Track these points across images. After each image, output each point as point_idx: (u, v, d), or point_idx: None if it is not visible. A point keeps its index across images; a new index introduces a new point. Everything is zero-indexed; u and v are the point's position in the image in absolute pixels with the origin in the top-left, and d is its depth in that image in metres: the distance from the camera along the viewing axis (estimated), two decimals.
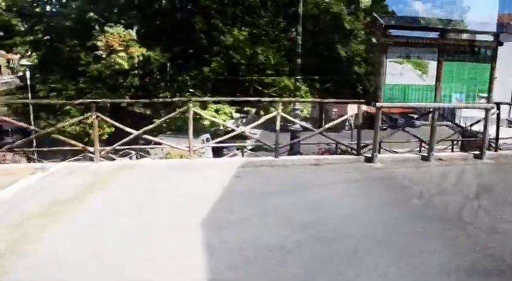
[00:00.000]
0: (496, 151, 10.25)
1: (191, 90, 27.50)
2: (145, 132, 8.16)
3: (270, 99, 7.91)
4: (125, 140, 8.17)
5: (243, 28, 27.59)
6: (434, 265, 4.24)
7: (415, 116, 36.71)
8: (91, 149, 7.96)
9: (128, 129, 8.02)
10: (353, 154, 9.30)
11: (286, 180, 7.39)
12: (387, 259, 4.34)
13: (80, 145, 8.34)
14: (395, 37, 8.57)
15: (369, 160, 8.60)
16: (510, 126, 28.07)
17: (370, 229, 5.15)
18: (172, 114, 8.50)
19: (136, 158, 15.65)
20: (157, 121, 8.38)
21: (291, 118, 9.07)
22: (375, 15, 8.60)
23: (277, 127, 8.39)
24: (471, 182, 7.67)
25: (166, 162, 9.06)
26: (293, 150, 11.77)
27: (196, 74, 27.60)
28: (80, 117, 8.74)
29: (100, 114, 7.78)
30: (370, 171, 8.12)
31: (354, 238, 4.80)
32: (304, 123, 9.72)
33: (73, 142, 8.27)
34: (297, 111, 12.90)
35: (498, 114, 10.27)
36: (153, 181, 7.08)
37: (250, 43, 27.43)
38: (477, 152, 9.61)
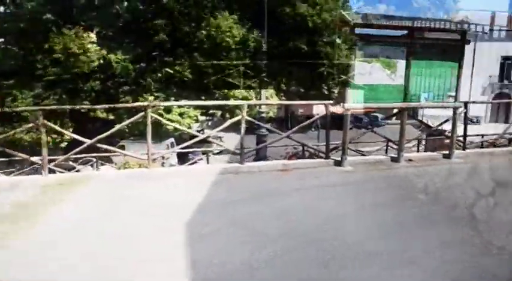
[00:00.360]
0: (464, 149, 10.12)
1: (155, 93, 26.77)
2: (99, 141, 7.53)
3: (235, 102, 7.41)
4: (77, 149, 7.54)
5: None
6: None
7: (380, 115, 37.04)
8: (36, 159, 7.28)
9: (79, 138, 7.42)
10: (321, 157, 8.91)
11: (253, 187, 6.94)
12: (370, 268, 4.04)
13: (23, 156, 7.64)
14: (363, 36, 8.31)
15: (339, 163, 8.27)
16: (469, 124, 28.51)
17: (346, 237, 4.79)
18: (130, 120, 7.89)
19: (97, 166, 14.98)
20: (114, 128, 7.72)
21: (257, 121, 8.64)
22: (343, 13, 8.27)
23: (242, 131, 7.92)
24: (444, 184, 7.43)
25: (124, 172, 8.42)
26: (259, 155, 11.30)
27: (160, 77, 26.89)
28: (27, 126, 7.98)
29: (47, 122, 7.15)
30: (341, 175, 7.78)
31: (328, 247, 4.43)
32: (269, 126, 9.24)
33: (18, 153, 7.56)
34: (263, 115, 12.36)
35: (465, 113, 10.15)
36: (110, 193, 6.52)
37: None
38: (446, 152, 9.46)
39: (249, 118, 8.04)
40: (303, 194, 6.53)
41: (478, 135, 18.04)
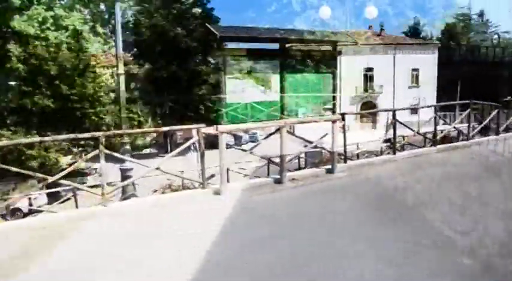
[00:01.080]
0: (345, 162, 9.89)
1: (13, 127, 23.89)
2: None
3: (90, 134, 6.16)
4: None
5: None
6: None
7: (259, 132, 37.23)
8: None
9: None
10: (200, 186, 7.91)
11: (118, 235, 5.71)
12: None
13: None
14: (233, 50, 7.63)
15: (218, 192, 7.38)
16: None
17: None
18: None
19: None
20: None
21: (119, 155, 7.38)
22: (209, 26, 7.49)
23: (102, 167, 6.67)
24: (332, 205, 6.87)
25: None
26: (126, 193, 9.87)
27: (18, 109, 24.12)
28: None
29: None
30: (220, 206, 6.88)
31: None
32: (130, 159, 7.94)
33: None
34: (126, 146, 10.83)
35: (344, 125, 9.92)
36: None
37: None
38: (328, 166, 9.11)
39: (109, 151, 6.79)
40: (182, 237, 5.48)
41: (353, 144, 18.56)
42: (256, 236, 5.38)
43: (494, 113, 13.51)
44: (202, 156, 7.56)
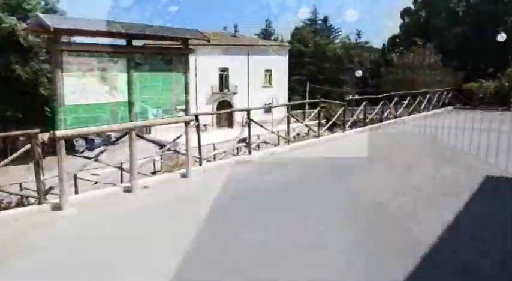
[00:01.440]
0: (200, 164, 9.58)
1: None
2: None
3: None
4: None
5: None
6: None
7: (113, 134, 35.31)
8: None
9: None
10: (36, 201, 6.90)
11: None
12: None
13: None
14: (72, 45, 6.79)
15: (58, 206, 6.46)
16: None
17: None
18: None
19: None
20: None
21: None
22: (40, 16, 6.52)
23: None
24: (181, 214, 6.41)
25: None
26: None
27: None
28: None
29: None
30: (57, 225, 5.96)
31: None
32: None
33: None
34: None
35: (198, 126, 9.60)
36: None
37: None
38: (184, 171, 8.70)
39: None
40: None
41: (209, 145, 18.42)
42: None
43: (340, 111, 14.38)
44: (37, 165, 6.57)
